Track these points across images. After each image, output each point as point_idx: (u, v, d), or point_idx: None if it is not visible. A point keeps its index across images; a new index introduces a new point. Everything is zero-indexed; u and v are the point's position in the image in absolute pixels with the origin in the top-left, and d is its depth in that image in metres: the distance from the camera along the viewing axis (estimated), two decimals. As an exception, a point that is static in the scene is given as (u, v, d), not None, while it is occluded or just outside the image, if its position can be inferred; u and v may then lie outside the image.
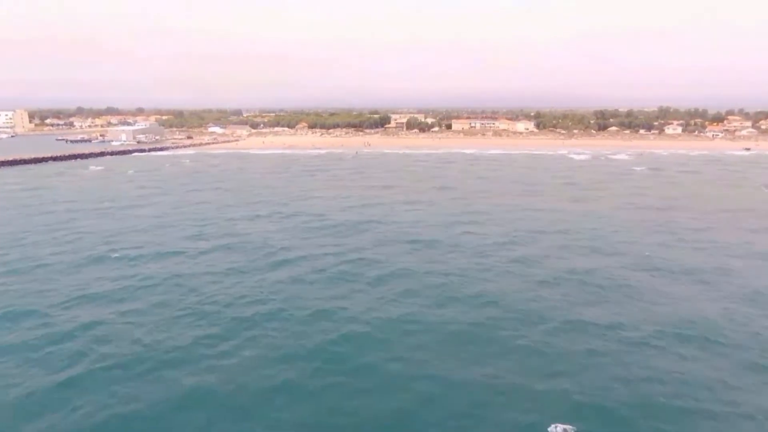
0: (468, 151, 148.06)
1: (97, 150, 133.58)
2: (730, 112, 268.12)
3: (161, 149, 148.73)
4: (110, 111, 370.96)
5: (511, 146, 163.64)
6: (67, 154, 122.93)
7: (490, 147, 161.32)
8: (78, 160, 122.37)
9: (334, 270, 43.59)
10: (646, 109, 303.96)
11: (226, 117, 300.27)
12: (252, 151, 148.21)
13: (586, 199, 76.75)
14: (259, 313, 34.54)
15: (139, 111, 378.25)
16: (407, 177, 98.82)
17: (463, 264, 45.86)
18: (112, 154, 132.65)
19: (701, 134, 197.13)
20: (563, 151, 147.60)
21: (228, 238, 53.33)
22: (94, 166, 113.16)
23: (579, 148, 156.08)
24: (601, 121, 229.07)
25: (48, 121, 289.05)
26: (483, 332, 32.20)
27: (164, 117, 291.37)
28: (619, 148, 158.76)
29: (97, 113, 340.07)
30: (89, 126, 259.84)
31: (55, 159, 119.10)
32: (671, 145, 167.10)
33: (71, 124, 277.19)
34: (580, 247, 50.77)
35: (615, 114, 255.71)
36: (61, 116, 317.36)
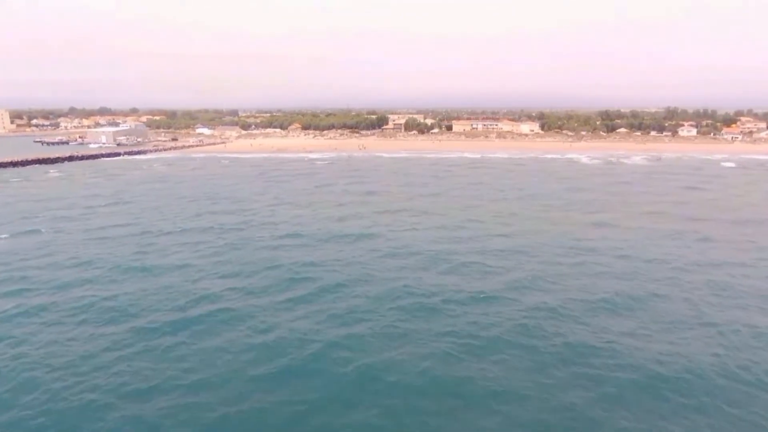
0: (471, 155, 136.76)
1: (66, 154, 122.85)
2: (740, 113, 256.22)
3: (139, 153, 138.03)
4: (103, 111, 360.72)
5: (516, 149, 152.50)
6: (30, 159, 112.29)
7: (495, 150, 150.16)
8: (42, 165, 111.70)
9: (281, 317, 32.77)
10: (648, 109, 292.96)
11: (220, 117, 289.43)
12: (236, 155, 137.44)
13: (607, 209, 65.49)
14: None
15: (133, 111, 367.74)
16: (401, 184, 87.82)
17: (461, 303, 35.26)
18: (81, 158, 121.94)
19: (718, 136, 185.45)
20: (572, 155, 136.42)
21: (161, 259, 42.57)
22: (55, 172, 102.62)
23: (589, 151, 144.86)
24: (608, 122, 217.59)
25: (34, 121, 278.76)
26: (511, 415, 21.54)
27: (156, 117, 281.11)
28: (632, 150, 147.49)
29: (89, 113, 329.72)
30: (75, 127, 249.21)
31: (15, 164, 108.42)
32: (687, 147, 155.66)
33: (57, 125, 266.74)
34: (613, 275, 39.88)
35: (620, 115, 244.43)
36: (51, 117, 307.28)
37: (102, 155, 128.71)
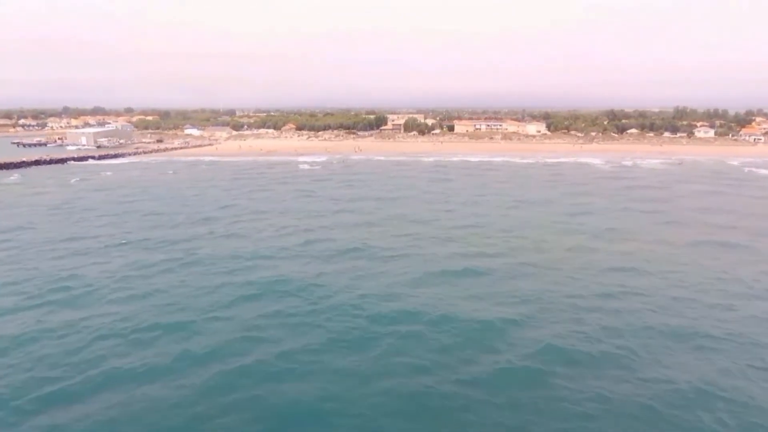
0: (475, 159, 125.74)
1: (34, 157, 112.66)
2: (750, 113, 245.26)
3: (115, 156, 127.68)
4: (97, 111, 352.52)
5: (524, 151, 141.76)
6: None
7: (501, 153, 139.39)
8: (2, 170, 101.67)
9: (193, 387, 22.73)
10: (651, 109, 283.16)
11: (216, 117, 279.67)
12: (220, 158, 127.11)
13: (635, 222, 55.01)
14: None
15: (128, 111, 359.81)
16: (397, 192, 77.28)
17: (463, 362, 25.36)
18: (49, 162, 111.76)
19: (737, 138, 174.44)
20: (585, 158, 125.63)
21: (72, 291, 32.33)
22: (13, 177, 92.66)
23: (601, 154, 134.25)
24: (617, 123, 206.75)
25: (22, 121, 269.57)
26: None
27: (148, 117, 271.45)
28: (648, 153, 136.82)
29: (81, 113, 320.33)
30: (62, 127, 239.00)
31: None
32: (707, 150, 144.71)
33: (44, 125, 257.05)
34: (654, 306, 29.60)
35: (626, 115, 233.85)
36: (42, 116, 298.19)
37: (73, 158, 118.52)
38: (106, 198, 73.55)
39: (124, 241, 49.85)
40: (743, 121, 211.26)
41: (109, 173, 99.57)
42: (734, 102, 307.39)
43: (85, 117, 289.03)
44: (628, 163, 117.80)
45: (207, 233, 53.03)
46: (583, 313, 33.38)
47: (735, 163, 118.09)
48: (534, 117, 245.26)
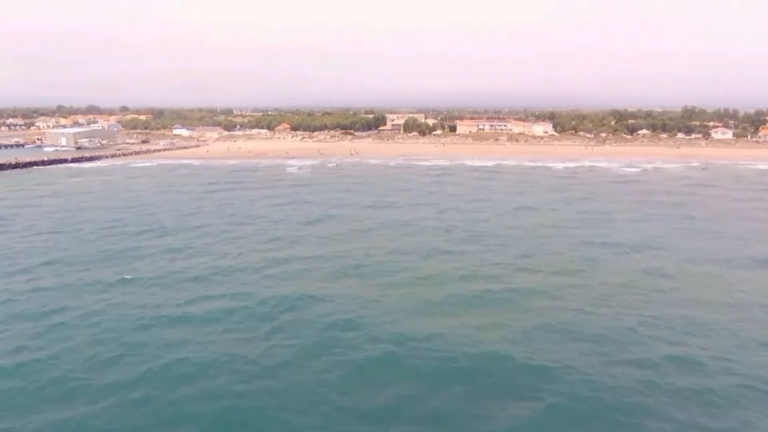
0: (482, 162, 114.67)
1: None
2: (760, 113, 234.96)
3: (91, 159, 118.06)
4: (91, 110, 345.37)
5: (533, 154, 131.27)
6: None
7: (508, 156, 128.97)
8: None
9: None
10: (655, 108, 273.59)
11: (211, 117, 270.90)
12: (204, 161, 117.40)
13: (682, 253, 45.23)
14: None
15: (123, 110, 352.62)
16: (391, 204, 67.77)
17: None
18: (16, 166, 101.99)
19: (759, 140, 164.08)
20: (600, 162, 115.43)
21: None
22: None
23: (615, 157, 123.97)
24: (625, 122, 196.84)
25: (10, 120, 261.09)
26: None
27: (142, 117, 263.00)
28: (665, 156, 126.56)
29: (74, 112, 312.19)
30: (48, 126, 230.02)
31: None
32: (730, 153, 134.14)
33: (31, 125, 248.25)
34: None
35: (633, 114, 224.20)
36: (34, 115, 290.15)
37: (44, 161, 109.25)
38: (61, 207, 64.71)
39: (50, 261, 40.96)
40: (756, 121, 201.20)
41: (77, 178, 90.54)
42: (733, 101, 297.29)
43: (76, 116, 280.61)
44: (648, 166, 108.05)
45: (156, 250, 44.00)
46: (627, 367, 24.07)
47: (763, 167, 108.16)
48: (538, 117, 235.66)
